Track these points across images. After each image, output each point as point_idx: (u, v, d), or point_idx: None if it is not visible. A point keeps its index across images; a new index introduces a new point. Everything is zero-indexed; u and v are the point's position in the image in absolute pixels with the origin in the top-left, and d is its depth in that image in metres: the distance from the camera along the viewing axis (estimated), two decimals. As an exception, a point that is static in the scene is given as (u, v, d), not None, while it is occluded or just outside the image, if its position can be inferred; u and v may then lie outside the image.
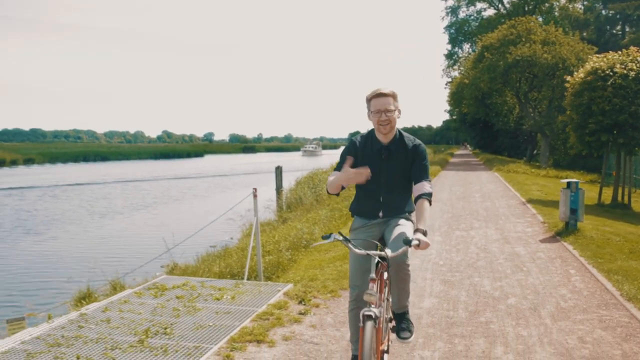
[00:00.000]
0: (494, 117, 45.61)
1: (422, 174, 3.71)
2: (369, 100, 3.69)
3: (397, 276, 3.69)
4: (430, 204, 3.63)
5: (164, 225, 19.16)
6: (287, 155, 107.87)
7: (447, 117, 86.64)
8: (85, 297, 8.20)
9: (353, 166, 3.57)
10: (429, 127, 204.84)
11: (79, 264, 13.71)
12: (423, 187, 3.64)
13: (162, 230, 17.39)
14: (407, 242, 3.24)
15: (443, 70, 64.10)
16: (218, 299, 6.10)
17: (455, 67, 64.40)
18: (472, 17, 62.85)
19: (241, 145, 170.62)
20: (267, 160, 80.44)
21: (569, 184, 10.22)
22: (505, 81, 37.69)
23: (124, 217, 22.14)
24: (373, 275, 3.24)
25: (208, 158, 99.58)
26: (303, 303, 6.00)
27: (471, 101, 43.90)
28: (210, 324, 5.26)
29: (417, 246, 3.25)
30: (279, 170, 25.38)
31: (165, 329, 5.11)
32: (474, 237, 10.22)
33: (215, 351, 4.57)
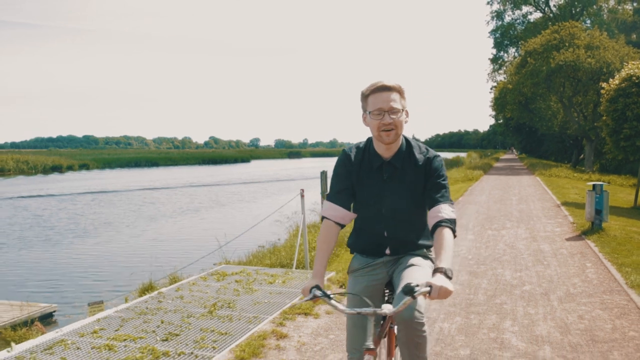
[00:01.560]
0: (538, 122, 45.64)
1: (438, 195, 2.72)
2: (366, 96, 2.73)
3: (407, 339, 2.65)
4: (455, 234, 2.64)
5: (214, 227, 20.40)
6: (332, 160, 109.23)
7: (493, 121, 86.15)
8: (148, 289, 9.35)
9: (349, 190, 2.84)
10: (476, 132, 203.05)
11: (137, 261, 15.02)
12: (439, 211, 2.66)
13: (212, 232, 18.63)
14: (409, 292, 2.27)
15: (488, 74, 64.04)
16: (271, 283, 7.16)
17: (501, 71, 64.40)
18: (517, 21, 62.82)
19: (287, 150, 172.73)
20: (312, 165, 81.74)
21: (594, 186, 10.91)
22: (549, 86, 37.88)
23: (174, 220, 23.55)
24: (369, 343, 2.46)
25: (254, 163, 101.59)
26: (343, 287, 6.98)
27: (514, 106, 44.12)
28: (265, 301, 6.31)
29: (428, 295, 2.30)
30: (323, 175, 26.40)
31: (229, 304, 6.19)
32: (504, 236, 11.00)
33: (270, 320, 5.61)
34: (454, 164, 49.56)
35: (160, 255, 15.68)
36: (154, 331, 5.26)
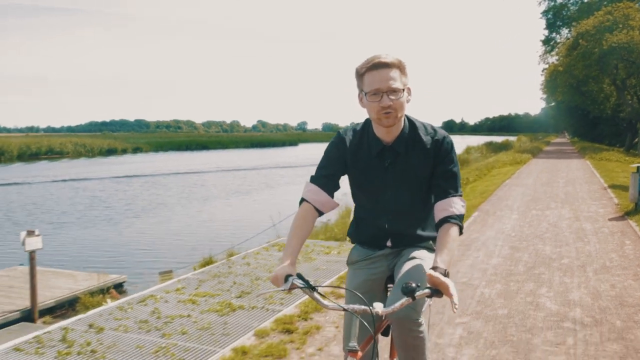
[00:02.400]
0: (590, 105, 44.95)
1: (448, 185, 2.43)
2: (361, 74, 2.37)
3: (401, 340, 2.42)
4: (461, 232, 2.39)
5: (265, 208, 21.26)
6: None
7: (544, 104, 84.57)
8: (208, 262, 10.20)
9: (336, 176, 2.54)
10: (527, 115, 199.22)
11: (195, 238, 16.04)
12: (449, 205, 2.39)
13: (263, 212, 19.50)
14: (408, 292, 2.06)
15: (540, 56, 62.94)
16: (327, 253, 7.90)
17: (553, 52, 63.25)
18: (571, 1, 61.47)
19: (334, 134, 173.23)
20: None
21: (638, 168, 11.20)
22: (601, 68, 37.29)
23: (227, 201, 24.61)
24: (353, 344, 2.11)
25: (302, 147, 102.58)
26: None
27: (565, 89, 43.56)
28: (324, 268, 7.05)
29: (429, 297, 2.12)
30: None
31: None
32: (547, 216, 11.43)
33: (328, 283, 6.32)
34: (502, 147, 49.27)
35: (216, 233, 16.67)
36: (228, 290, 6.06)
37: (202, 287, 6.23)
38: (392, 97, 2.30)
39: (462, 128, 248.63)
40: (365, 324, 2.09)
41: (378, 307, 2.10)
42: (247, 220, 19.00)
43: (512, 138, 73.44)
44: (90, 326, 5.02)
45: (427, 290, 2.07)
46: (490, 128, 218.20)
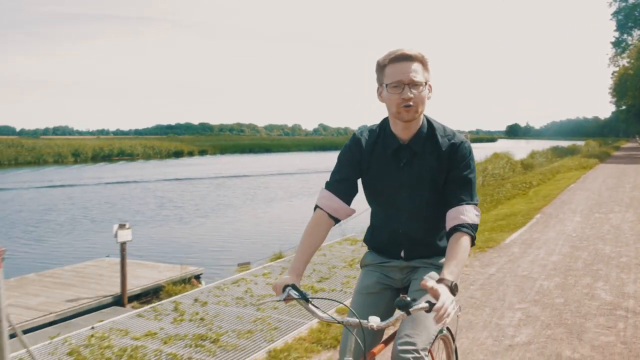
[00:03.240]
0: (662, 109, 43.66)
1: (462, 192, 2.31)
2: (382, 66, 2.30)
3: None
4: (473, 242, 2.27)
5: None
6: None
7: (614, 108, 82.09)
8: (279, 257, 10.98)
9: (351, 181, 2.43)
10: (596, 119, 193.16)
11: (264, 236, 16.93)
12: (461, 213, 2.27)
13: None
14: (402, 306, 1.92)
15: (610, 59, 61.44)
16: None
17: (624, 55, 61.60)
18: (643, 2, 59.71)
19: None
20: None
21: None
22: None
23: (291, 203, 25.51)
24: (349, 359, 2.07)
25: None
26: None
27: (636, 92, 42.56)
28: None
29: (427, 311, 1.95)
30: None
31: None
32: (610, 219, 11.68)
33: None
34: (568, 152, 48.40)
35: (283, 232, 17.54)
36: (309, 275, 6.83)
37: (285, 270, 7.03)
38: (413, 90, 2.22)
39: (527, 132, 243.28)
40: (359, 340, 1.99)
41: (373, 321, 1.95)
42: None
43: (579, 143, 71.78)
44: (195, 300, 5.88)
45: (425, 305, 1.89)
46: (556, 132, 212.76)
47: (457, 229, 2.22)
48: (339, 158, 2.47)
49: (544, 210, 13.15)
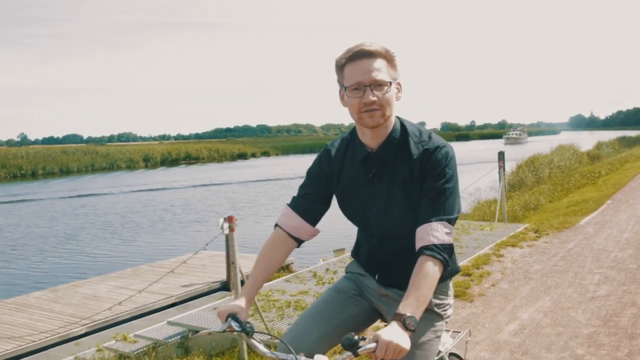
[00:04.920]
0: None
1: (433, 206, 1.92)
2: (341, 66, 2.00)
3: None
4: (446, 266, 1.89)
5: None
6: (493, 143, 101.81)
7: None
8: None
9: (316, 196, 2.16)
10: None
11: (344, 229, 18.25)
12: (427, 232, 1.88)
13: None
14: (349, 346, 1.65)
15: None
16: (482, 229, 9.76)
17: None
18: None
19: (454, 133, 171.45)
20: (481, 147, 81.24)
21: None
22: None
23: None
24: None
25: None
26: (537, 233, 9.35)
27: None
28: (481, 239, 8.92)
29: (372, 353, 1.66)
30: (501, 155, 28.12)
31: (455, 240, 8.87)
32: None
33: (487, 248, 8.21)
34: (637, 141, 47.87)
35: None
36: None
37: None
38: (377, 91, 1.92)
39: (592, 123, 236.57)
40: None
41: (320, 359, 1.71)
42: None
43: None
44: (327, 270, 7.34)
45: (371, 345, 1.65)
46: (623, 122, 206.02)
47: (421, 251, 1.85)
48: (308, 171, 2.20)
49: (614, 197, 14.00)
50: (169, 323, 6.16)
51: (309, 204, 2.15)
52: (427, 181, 1.95)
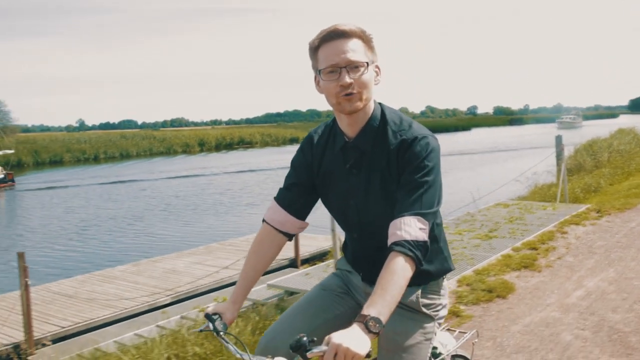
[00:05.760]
0: None
1: (408, 200, 1.80)
2: (314, 48, 1.89)
3: None
4: (418, 264, 1.73)
5: (453, 190, 23.41)
6: (545, 127, 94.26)
7: None
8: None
9: (301, 187, 2.08)
10: None
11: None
12: (398, 227, 1.75)
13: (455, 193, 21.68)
14: (297, 348, 1.54)
15: None
16: (544, 209, 10.13)
17: None
18: None
19: (507, 117, 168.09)
20: (536, 131, 79.74)
21: None
22: None
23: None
24: None
25: (475, 131, 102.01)
26: (599, 212, 9.63)
27: None
28: (544, 217, 9.31)
29: (321, 357, 1.54)
30: (559, 139, 27.93)
31: (519, 218, 9.34)
32: None
33: (551, 226, 8.61)
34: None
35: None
36: (480, 228, 8.66)
37: (460, 227, 8.92)
38: (353, 73, 1.82)
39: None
40: None
41: None
42: (445, 196, 21.24)
43: None
44: None
45: (323, 348, 1.53)
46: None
47: (391, 247, 1.73)
48: (292, 161, 2.12)
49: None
50: (269, 286, 7.22)
51: (293, 196, 2.08)
52: (405, 174, 1.84)
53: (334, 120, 2.04)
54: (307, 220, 2.14)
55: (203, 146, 72.42)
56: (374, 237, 1.94)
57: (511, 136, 70.89)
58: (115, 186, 32.09)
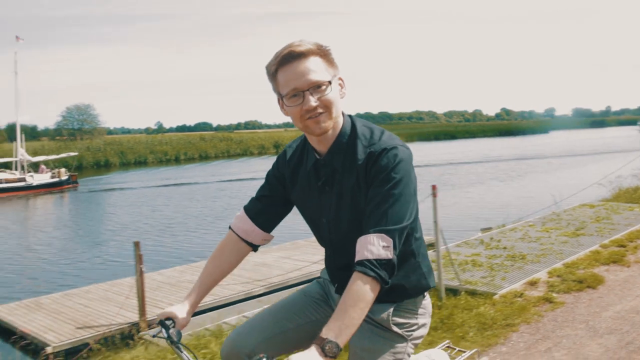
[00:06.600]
0: None
1: (374, 215, 1.73)
2: (272, 74, 1.83)
3: None
4: (383, 284, 1.67)
5: (530, 193, 23.18)
6: (628, 130, 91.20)
7: None
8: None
9: (271, 199, 2.09)
10: None
11: (481, 211, 18.75)
12: (363, 245, 1.70)
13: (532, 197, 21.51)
14: None
15: None
16: (631, 210, 10.33)
17: None
18: None
19: (587, 120, 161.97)
20: (619, 134, 76.77)
21: None
22: None
23: (503, 184, 26.98)
24: None
25: (553, 134, 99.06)
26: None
27: None
28: (632, 217, 9.51)
29: None
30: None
31: (605, 218, 9.56)
32: None
33: (639, 226, 8.68)
34: None
35: (500, 207, 19.22)
36: (565, 226, 8.89)
37: (547, 225, 9.32)
38: (316, 94, 1.76)
39: None
40: None
41: None
42: (523, 199, 21.18)
43: None
44: (491, 239, 8.36)
45: None
46: None
47: (354, 267, 1.68)
48: (267, 173, 2.12)
49: None
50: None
51: (262, 208, 2.07)
52: (372, 187, 1.77)
53: (305, 138, 1.98)
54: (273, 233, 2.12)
55: (278, 148, 73.70)
56: (346, 252, 1.83)
57: (592, 139, 68.61)
58: (195, 187, 33.12)
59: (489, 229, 12.86)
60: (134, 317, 8.58)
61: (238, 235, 2.07)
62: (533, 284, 6.04)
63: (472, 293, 5.77)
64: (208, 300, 9.39)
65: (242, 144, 72.50)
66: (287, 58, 1.76)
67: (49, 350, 7.14)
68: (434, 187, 5.74)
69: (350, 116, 1.93)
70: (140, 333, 6.72)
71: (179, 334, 1.88)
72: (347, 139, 1.86)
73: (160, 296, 9.74)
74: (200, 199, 27.50)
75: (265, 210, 2.06)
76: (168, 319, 1.89)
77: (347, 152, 1.85)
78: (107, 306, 8.76)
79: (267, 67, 1.82)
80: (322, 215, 1.94)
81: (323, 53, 1.80)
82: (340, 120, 1.87)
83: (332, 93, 1.78)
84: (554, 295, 5.51)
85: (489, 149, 55.80)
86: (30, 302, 9.58)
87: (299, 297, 2.14)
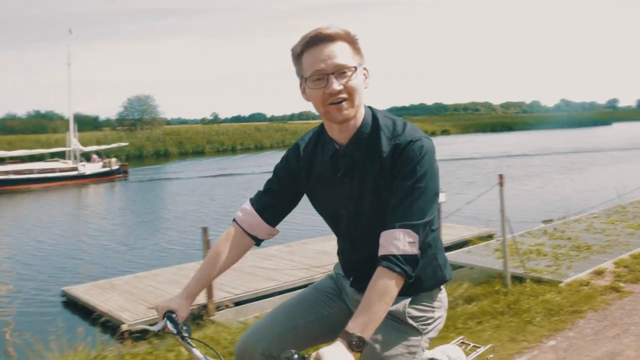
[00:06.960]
0: None
1: (399, 209, 1.72)
2: (297, 56, 1.80)
3: None
4: (407, 278, 1.68)
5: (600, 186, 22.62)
6: None
7: None
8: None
9: (278, 194, 2.04)
10: None
11: (531, 204, 18.44)
12: (388, 240, 1.70)
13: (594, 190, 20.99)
14: None
15: None
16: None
17: None
18: None
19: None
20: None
21: None
22: None
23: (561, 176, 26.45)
24: None
25: (616, 126, 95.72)
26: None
27: None
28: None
29: None
30: None
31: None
32: None
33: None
34: None
35: (561, 199, 18.89)
36: (632, 219, 8.93)
37: (612, 217, 9.32)
38: (341, 79, 1.73)
39: None
40: None
41: None
42: (587, 192, 20.71)
43: None
44: (555, 229, 8.46)
45: None
46: None
47: (379, 261, 1.69)
48: (275, 167, 2.07)
49: None
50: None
51: (269, 202, 2.03)
52: (397, 180, 1.75)
53: (322, 127, 1.94)
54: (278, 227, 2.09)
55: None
56: (365, 246, 1.86)
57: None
58: (250, 177, 33.45)
59: (550, 220, 12.76)
60: (202, 299, 8.97)
61: (243, 229, 2.03)
62: (599, 273, 6.05)
63: (538, 281, 5.83)
64: (271, 285, 9.73)
65: (296, 134, 72.92)
66: (315, 40, 1.73)
67: (124, 327, 7.58)
68: (500, 177, 5.80)
69: (370, 107, 1.89)
70: (210, 316, 7.06)
71: (189, 329, 1.83)
72: (370, 130, 1.83)
73: (225, 280, 10.09)
74: (256, 189, 27.86)
75: (273, 204, 2.03)
76: (170, 311, 1.86)
77: (369, 143, 1.82)
78: (175, 288, 9.09)
79: (293, 49, 1.79)
80: (342, 207, 1.91)
81: (351, 40, 1.77)
82: (362, 110, 1.84)
83: (356, 80, 1.75)
84: (622, 284, 5.52)
85: (545, 141, 54.44)
86: (104, 283, 10.15)
87: (311, 292, 2.12)
